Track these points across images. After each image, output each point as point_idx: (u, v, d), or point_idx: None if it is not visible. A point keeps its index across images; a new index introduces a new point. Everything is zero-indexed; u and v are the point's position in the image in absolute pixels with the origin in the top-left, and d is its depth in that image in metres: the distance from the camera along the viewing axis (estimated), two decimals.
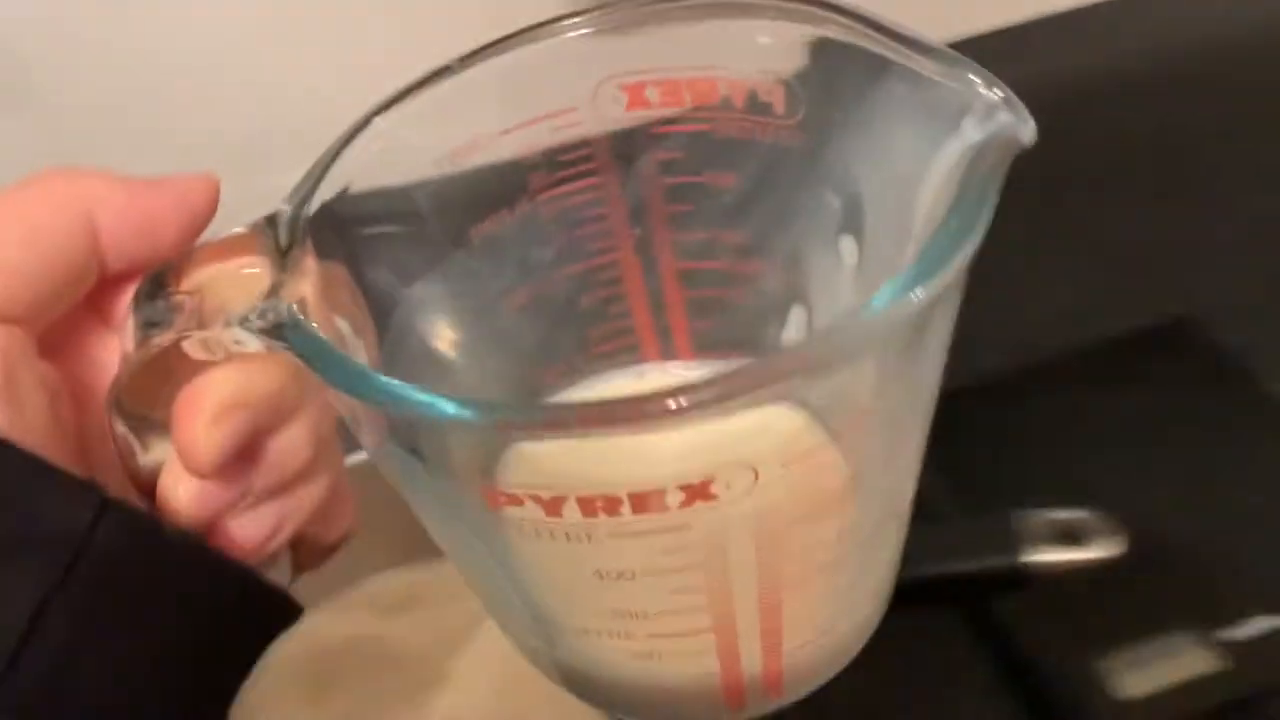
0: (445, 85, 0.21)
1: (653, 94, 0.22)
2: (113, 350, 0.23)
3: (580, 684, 0.22)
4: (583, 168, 0.23)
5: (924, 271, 0.16)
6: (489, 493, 0.18)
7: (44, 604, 0.21)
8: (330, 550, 0.26)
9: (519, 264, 0.23)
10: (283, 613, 0.25)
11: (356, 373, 0.17)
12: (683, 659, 0.20)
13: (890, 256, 0.21)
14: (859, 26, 0.20)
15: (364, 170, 0.21)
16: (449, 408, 0.16)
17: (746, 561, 0.18)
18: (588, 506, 0.16)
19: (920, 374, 0.19)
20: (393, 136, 0.21)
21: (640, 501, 0.16)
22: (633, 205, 0.24)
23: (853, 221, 0.23)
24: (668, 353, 0.25)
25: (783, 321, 0.24)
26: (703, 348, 0.25)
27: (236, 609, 0.24)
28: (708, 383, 0.15)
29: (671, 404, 0.15)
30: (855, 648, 0.22)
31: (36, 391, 0.21)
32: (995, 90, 0.19)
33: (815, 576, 0.20)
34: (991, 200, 0.18)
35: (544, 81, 0.22)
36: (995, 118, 0.18)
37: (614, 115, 0.22)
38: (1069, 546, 0.38)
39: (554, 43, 0.21)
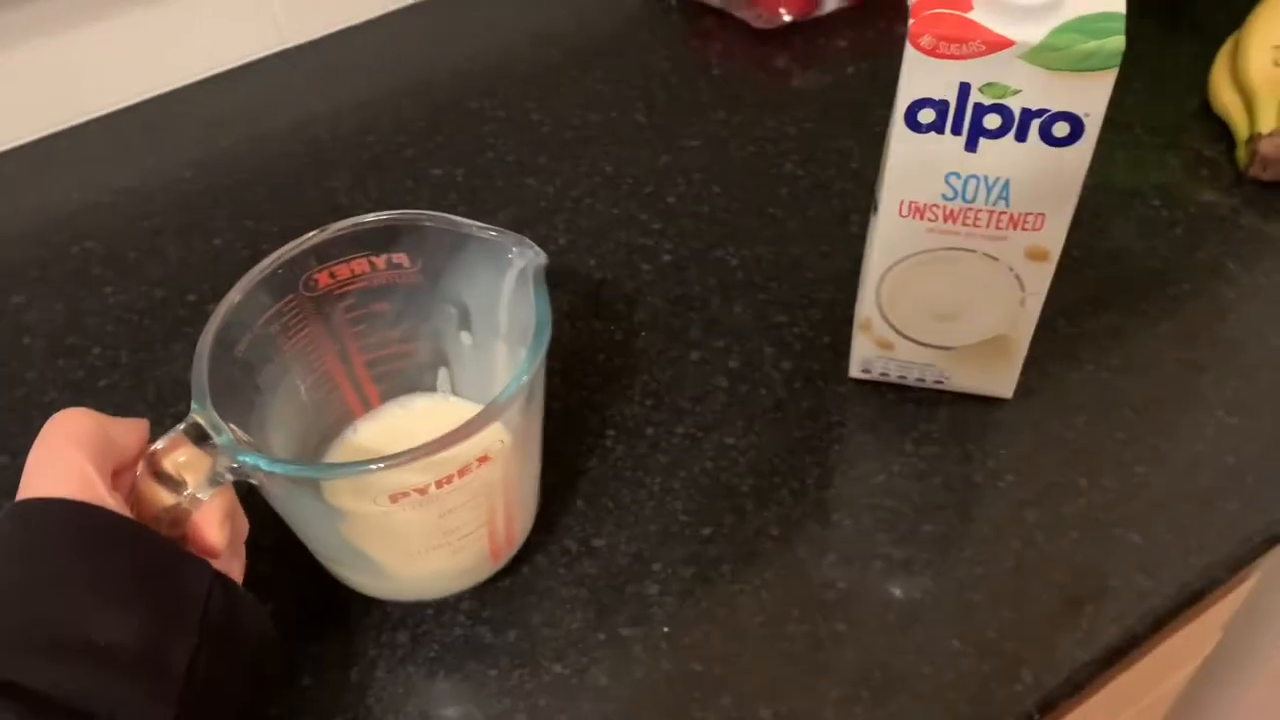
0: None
1: (332, 275, 0.43)
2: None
3: (404, 591, 0.45)
4: (301, 325, 0.43)
5: (528, 365, 0.38)
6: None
7: (195, 654, 0.34)
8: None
9: (290, 380, 0.44)
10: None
11: (266, 469, 0.37)
12: (473, 544, 0.42)
13: (491, 339, 0.45)
14: (442, 219, 0.43)
15: (219, 342, 0.40)
16: (292, 467, 0.39)
17: (497, 489, 0.41)
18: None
19: (537, 399, 0.42)
20: (231, 309, 0.40)
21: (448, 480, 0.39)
22: (332, 334, 0.44)
23: (465, 321, 0.46)
24: (367, 405, 0.48)
25: (435, 377, 0.48)
26: (387, 397, 0.48)
27: (263, 637, 0.39)
28: (463, 426, 0.37)
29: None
30: (532, 519, 0.46)
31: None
32: (523, 240, 0.42)
33: (518, 487, 0.44)
34: (548, 314, 0.39)
35: (281, 279, 0.42)
36: (525, 254, 0.41)
37: (314, 293, 0.43)
38: None
39: (276, 257, 0.42)
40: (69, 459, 0.35)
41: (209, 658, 0.35)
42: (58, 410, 0.52)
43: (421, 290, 0.44)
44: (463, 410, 0.47)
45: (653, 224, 0.60)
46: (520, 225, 0.60)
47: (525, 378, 0.38)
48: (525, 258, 0.41)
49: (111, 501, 0.35)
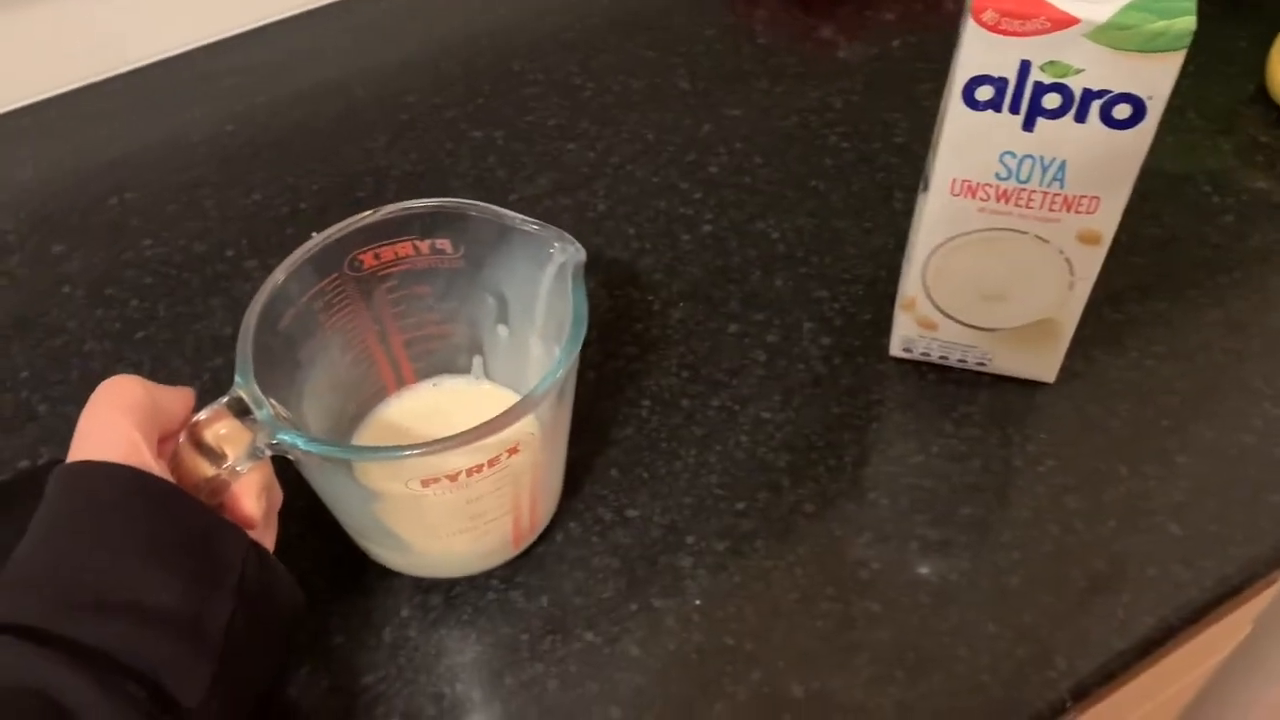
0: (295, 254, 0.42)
1: (377, 257, 0.43)
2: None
3: (427, 569, 0.45)
4: (343, 303, 0.43)
5: (563, 361, 0.38)
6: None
7: (232, 617, 0.35)
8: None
9: (329, 356, 0.44)
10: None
11: (303, 447, 0.37)
12: (497, 529, 0.43)
13: (526, 330, 0.45)
14: (487, 210, 0.43)
15: (264, 317, 0.39)
16: (329, 447, 0.39)
17: (524, 478, 0.41)
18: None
19: (568, 393, 0.42)
20: (276, 287, 0.40)
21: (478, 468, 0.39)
22: (373, 313, 0.44)
23: (503, 312, 0.46)
24: (402, 383, 0.48)
25: (469, 361, 0.48)
26: (422, 376, 0.48)
27: (294, 607, 0.39)
28: (497, 419, 0.37)
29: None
30: (554, 507, 0.46)
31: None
32: (564, 235, 0.42)
33: (544, 476, 0.44)
34: (585, 311, 0.39)
35: (327, 258, 0.42)
36: (566, 249, 0.41)
37: (358, 273, 0.43)
38: None
39: (324, 237, 0.42)
40: (117, 425, 0.36)
41: (245, 622, 0.35)
42: (96, 360, 0.53)
43: (462, 276, 0.44)
44: (494, 395, 0.47)
45: (693, 193, 0.59)
46: (559, 190, 0.59)
47: (560, 373, 0.38)
48: (566, 253, 0.41)
49: (157, 468, 0.35)
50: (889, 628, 0.43)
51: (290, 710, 0.41)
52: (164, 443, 0.38)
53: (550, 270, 0.42)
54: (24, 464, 0.49)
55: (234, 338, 0.38)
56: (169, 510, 0.35)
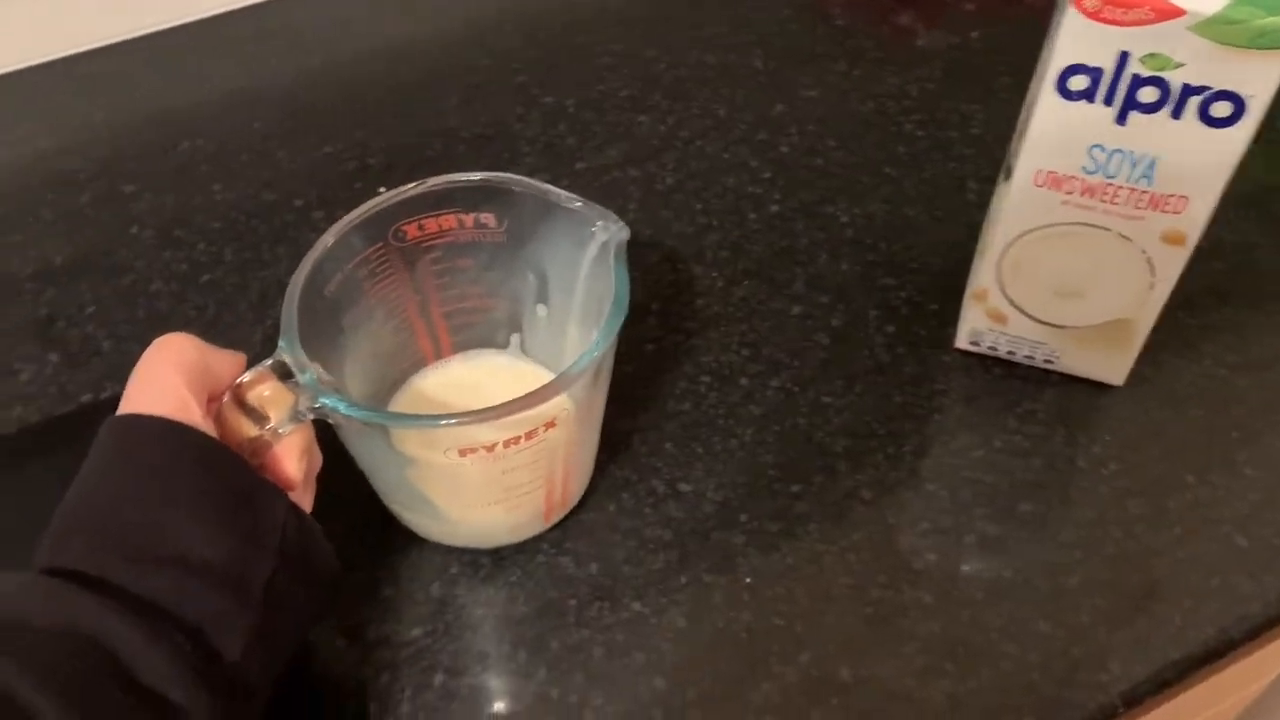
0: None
1: (421, 228, 0.43)
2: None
3: (459, 538, 0.45)
4: (387, 271, 0.43)
5: (603, 339, 0.38)
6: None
7: (273, 575, 0.35)
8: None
9: (371, 323, 0.44)
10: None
11: (344, 412, 0.37)
12: (529, 502, 0.43)
13: (566, 306, 0.45)
14: (531, 186, 0.42)
15: (310, 281, 0.40)
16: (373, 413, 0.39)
17: (558, 453, 0.41)
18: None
19: (605, 371, 0.41)
20: (324, 251, 0.41)
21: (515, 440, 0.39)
22: (415, 283, 0.45)
23: (544, 289, 0.46)
24: (440, 354, 0.48)
25: (507, 336, 0.48)
26: (460, 349, 0.48)
27: (331, 571, 0.39)
28: (536, 393, 0.37)
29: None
30: (585, 484, 0.46)
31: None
32: (607, 213, 0.41)
33: (577, 452, 0.43)
34: (627, 289, 0.39)
35: (373, 226, 0.42)
36: (608, 228, 0.41)
37: (403, 243, 0.43)
38: None
39: (370, 206, 0.42)
40: (169, 381, 0.36)
41: (284, 582, 0.35)
42: (162, 300, 0.53)
43: (505, 251, 0.44)
44: (531, 372, 0.47)
45: (763, 172, 0.59)
46: (628, 162, 0.59)
47: (598, 351, 0.38)
48: (608, 231, 0.41)
49: (204, 426, 0.36)
50: (940, 619, 0.42)
51: (336, 659, 0.42)
52: (212, 403, 0.38)
53: (592, 248, 0.42)
54: (87, 398, 0.50)
55: None
56: (216, 468, 0.35)
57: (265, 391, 0.37)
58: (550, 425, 0.39)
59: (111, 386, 0.50)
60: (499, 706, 0.41)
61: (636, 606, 0.43)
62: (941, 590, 0.43)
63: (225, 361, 0.39)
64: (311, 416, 0.37)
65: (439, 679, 0.41)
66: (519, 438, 0.38)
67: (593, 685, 0.41)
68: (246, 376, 0.37)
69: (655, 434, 0.48)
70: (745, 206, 0.57)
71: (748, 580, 0.43)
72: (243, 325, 0.52)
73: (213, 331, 0.49)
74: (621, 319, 0.38)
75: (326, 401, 0.37)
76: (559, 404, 0.38)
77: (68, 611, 0.31)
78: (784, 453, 0.47)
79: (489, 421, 0.36)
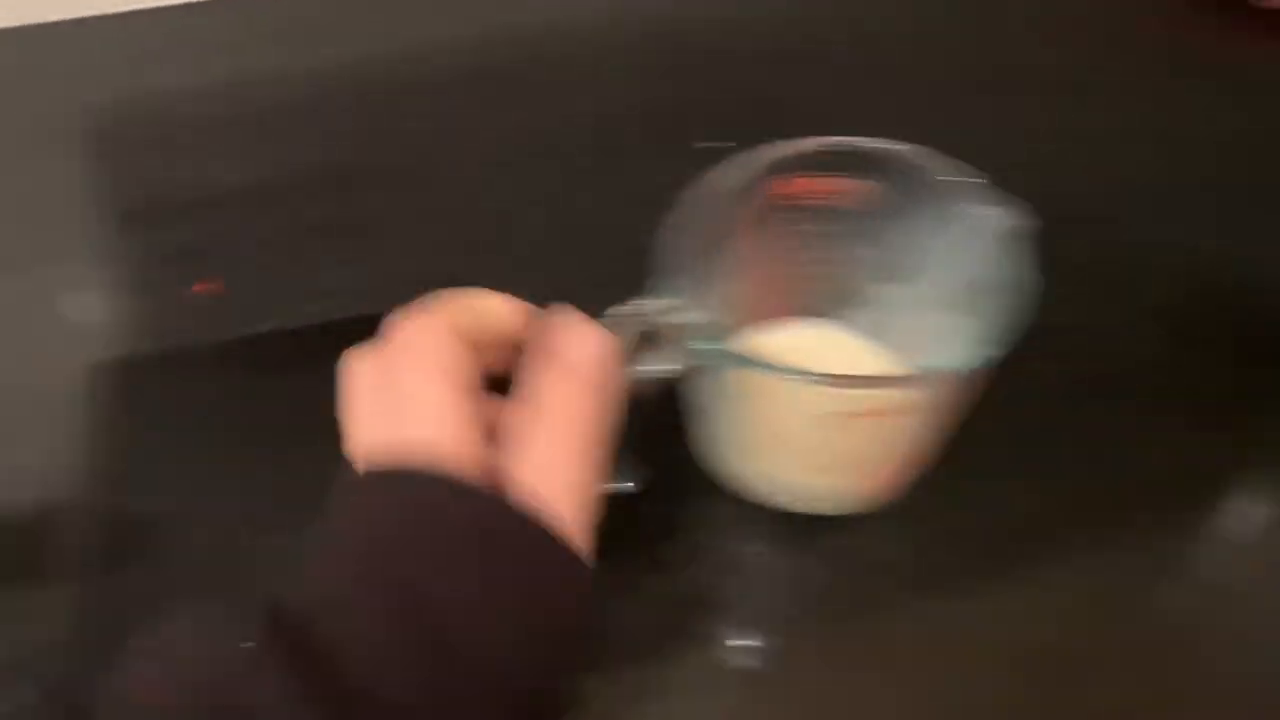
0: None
1: (801, 186, 0.41)
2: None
3: (781, 496, 0.43)
4: (761, 223, 0.41)
5: (989, 339, 0.35)
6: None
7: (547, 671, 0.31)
8: None
9: (734, 274, 0.42)
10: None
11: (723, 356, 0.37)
12: (861, 476, 0.42)
13: (931, 294, 0.41)
14: (925, 155, 0.40)
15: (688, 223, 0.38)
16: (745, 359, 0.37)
17: (907, 437, 0.40)
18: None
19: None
20: (711, 188, 0.39)
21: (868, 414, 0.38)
22: (783, 240, 0.42)
23: (909, 270, 0.42)
24: (786, 315, 0.46)
25: (857, 311, 0.45)
26: (806, 314, 0.46)
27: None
28: (910, 377, 0.39)
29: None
30: (922, 471, 0.43)
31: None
32: (1005, 197, 0.37)
33: (924, 445, 0.42)
34: (1019, 282, 0.36)
35: (754, 177, 0.41)
36: (1001, 213, 0.37)
37: (780, 197, 0.41)
38: None
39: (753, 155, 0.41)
40: (442, 397, 0.32)
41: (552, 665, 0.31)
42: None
43: (880, 224, 0.41)
44: (870, 349, 0.45)
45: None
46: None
47: (990, 353, 0.35)
48: (999, 217, 0.37)
49: (482, 455, 0.31)
50: None
51: (636, 606, 0.42)
52: (498, 350, 0.35)
53: (980, 234, 0.38)
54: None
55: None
56: (512, 553, 0.30)
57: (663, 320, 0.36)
58: (903, 411, 0.38)
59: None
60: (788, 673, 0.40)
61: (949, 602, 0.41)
62: None
63: (503, 320, 0.35)
64: (690, 361, 0.36)
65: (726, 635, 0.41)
66: (885, 413, 0.37)
67: (888, 673, 0.40)
68: (647, 306, 0.36)
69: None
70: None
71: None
72: (612, 238, 0.48)
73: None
74: (1015, 316, 0.35)
75: (703, 345, 0.36)
76: (919, 394, 0.37)
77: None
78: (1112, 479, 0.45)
79: (859, 389, 0.36)
